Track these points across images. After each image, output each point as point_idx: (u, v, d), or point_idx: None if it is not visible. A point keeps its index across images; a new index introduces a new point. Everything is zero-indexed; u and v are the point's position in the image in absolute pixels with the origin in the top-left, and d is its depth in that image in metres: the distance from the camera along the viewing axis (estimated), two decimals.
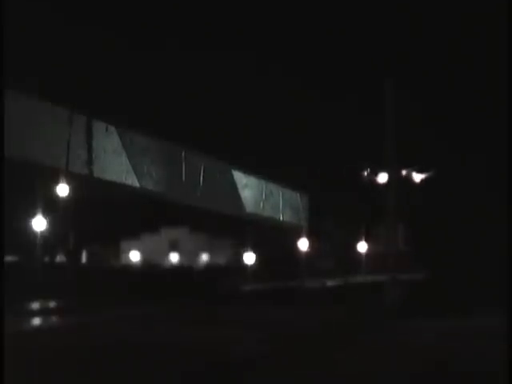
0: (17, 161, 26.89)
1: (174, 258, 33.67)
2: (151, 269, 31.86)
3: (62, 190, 28.79)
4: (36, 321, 20.70)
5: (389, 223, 24.69)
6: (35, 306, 23.61)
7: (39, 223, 28.80)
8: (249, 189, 37.30)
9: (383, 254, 25.33)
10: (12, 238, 23.81)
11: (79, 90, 29.11)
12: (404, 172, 25.54)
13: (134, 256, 33.05)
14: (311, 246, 35.80)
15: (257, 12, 32.66)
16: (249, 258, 34.54)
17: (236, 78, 32.47)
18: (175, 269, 32.86)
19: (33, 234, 28.90)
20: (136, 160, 32.91)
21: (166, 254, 33.56)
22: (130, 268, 32.14)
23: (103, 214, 29.37)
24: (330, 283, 34.46)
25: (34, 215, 28.75)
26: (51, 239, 29.61)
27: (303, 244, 35.66)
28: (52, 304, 24.21)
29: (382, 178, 25.36)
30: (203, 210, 34.33)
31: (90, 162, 31.12)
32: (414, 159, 26.20)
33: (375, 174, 26.04)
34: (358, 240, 38.80)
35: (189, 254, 33.74)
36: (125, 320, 19.88)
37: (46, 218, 28.88)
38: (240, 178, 36.91)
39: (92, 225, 29.58)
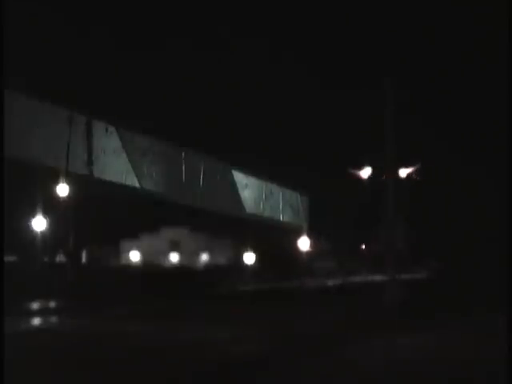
0: (17, 161, 26.91)
1: (174, 258, 33.66)
2: (151, 269, 31.85)
3: (62, 189, 28.79)
4: (35, 321, 20.69)
5: (388, 223, 24.68)
6: (35, 306, 23.59)
7: (39, 223, 28.80)
8: (249, 189, 37.32)
9: (383, 254, 25.30)
10: (12, 237, 23.84)
11: (79, 90, 29.11)
12: (404, 172, 25.52)
13: (134, 256, 33.04)
14: (311, 245, 35.79)
15: (257, 12, 32.66)
16: (249, 258, 34.53)
17: (236, 78, 32.48)
18: (175, 269, 32.85)
19: (33, 233, 28.90)
20: (136, 160, 32.94)
21: (166, 254, 33.54)
22: (130, 268, 32.13)
23: (103, 214, 29.35)
24: (329, 283, 34.45)
25: (34, 215, 28.75)
26: (51, 239, 29.60)
27: (303, 244, 35.65)
28: (52, 304, 24.20)
29: (381, 176, 25.37)
30: (203, 210, 34.35)
31: (89, 162, 31.15)
32: (415, 159, 26.19)
33: (375, 174, 26.04)
34: (357, 240, 38.78)
35: (189, 254, 33.72)
36: (124, 320, 19.88)
37: (45, 218, 28.88)
38: (240, 178, 36.93)
39: (92, 225, 29.57)
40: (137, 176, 32.75)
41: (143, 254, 33.10)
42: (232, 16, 32.67)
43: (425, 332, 16.63)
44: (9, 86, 24.83)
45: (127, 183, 32.42)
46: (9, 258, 26.07)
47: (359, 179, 26.28)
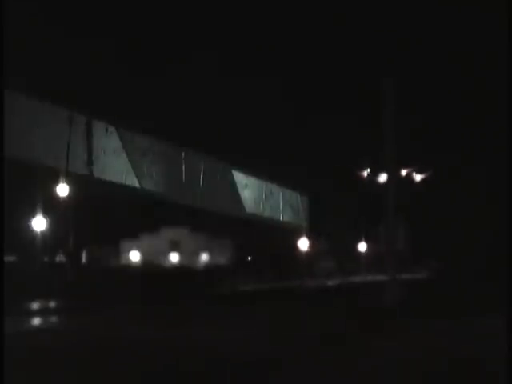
0: (17, 161, 26.92)
1: (174, 258, 33.67)
2: (151, 269, 31.86)
3: (62, 189, 28.79)
4: (35, 321, 20.70)
5: (389, 223, 24.68)
6: (35, 306, 23.59)
7: (39, 223, 28.80)
8: (249, 189, 37.35)
9: (383, 254, 25.31)
10: (12, 237, 23.85)
11: (79, 90, 29.13)
12: (404, 172, 25.53)
13: (134, 256, 33.05)
14: (311, 245, 35.82)
15: (257, 13, 32.68)
16: (248, 257, 34.53)
17: (237, 79, 32.48)
18: (175, 269, 32.86)
19: (33, 234, 28.90)
20: (136, 160, 32.96)
21: (166, 254, 33.56)
22: (130, 268, 32.13)
23: (103, 214, 29.36)
24: (329, 283, 34.47)
25: (34, 215, 28.75)
26: (51, 239, 29.61)
27: (303, 244, 35.67)
28: (52, 304, 24.20)
29: (382, 178, 25.37)
30: (203, 210, 34.37)
31: (90, 162, 31.17)
32: (414, 159, 26.22)
33: (375, 174, 26.05)
34: (358, 240, 38.80)
35: (189, 254, 33.74)
36: (124, 320, 19.88)
37: (45, 218, 28.88)
38: (240, 178, 36.95)
39: (92, 225, 29.58)
40: (137, 176, 32.77)
41: (143, 254, 33.11)
42: (231, 15, 32.67)
43: (425, 332, 16.64)
44: (9, 86, 24.85)
45: (127, 183, 32.44)
46: (9, 258, 26.08)
47: (359, 179, 26.30)
